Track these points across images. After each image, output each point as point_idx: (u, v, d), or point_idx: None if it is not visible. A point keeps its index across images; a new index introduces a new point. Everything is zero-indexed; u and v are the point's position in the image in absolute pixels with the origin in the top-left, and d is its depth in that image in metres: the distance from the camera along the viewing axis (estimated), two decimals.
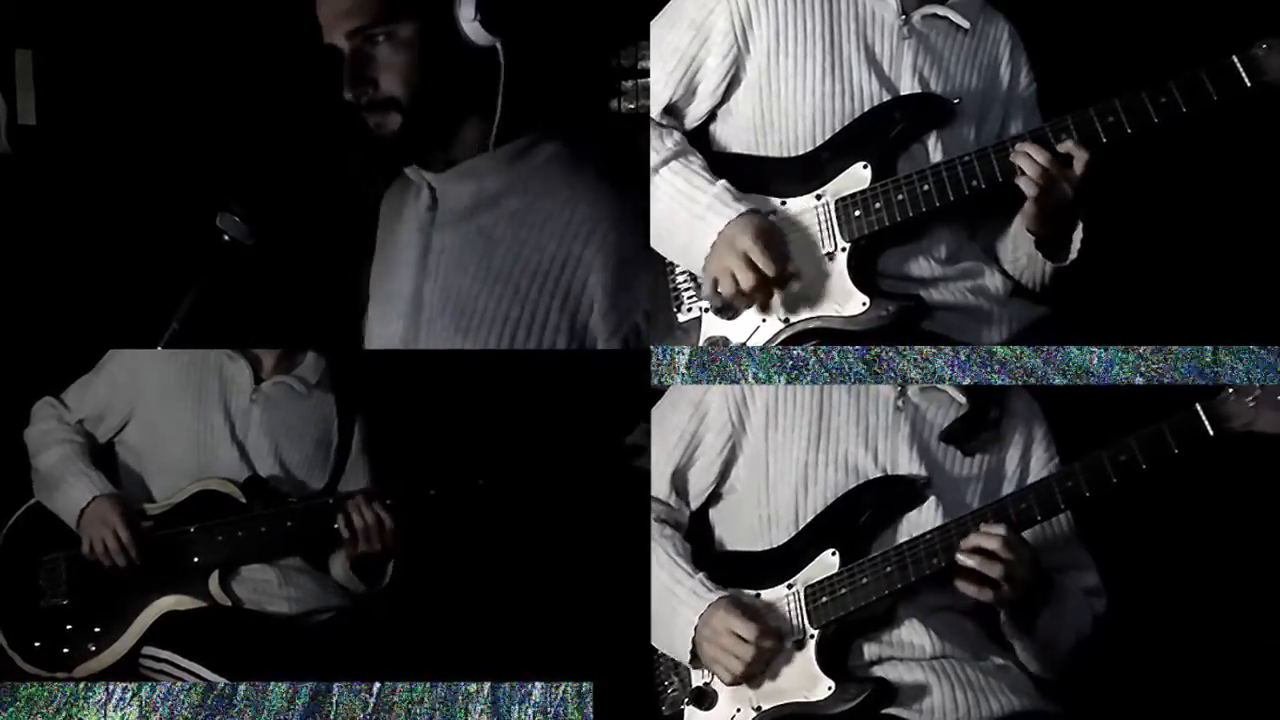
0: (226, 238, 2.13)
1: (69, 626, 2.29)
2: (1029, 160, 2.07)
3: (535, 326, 2.07)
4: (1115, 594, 2.17)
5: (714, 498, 2.23)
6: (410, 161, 2.18)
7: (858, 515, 2.11)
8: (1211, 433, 2.01)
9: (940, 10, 2.18)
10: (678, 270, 2.19)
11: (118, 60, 2.59)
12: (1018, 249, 2.17)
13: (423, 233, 2.17)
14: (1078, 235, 2.13)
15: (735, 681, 2.09)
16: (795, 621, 2.10)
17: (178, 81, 2.60)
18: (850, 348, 2.15)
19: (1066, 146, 2.07)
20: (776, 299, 2.14)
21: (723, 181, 2.14)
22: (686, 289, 2.20)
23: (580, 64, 2.54)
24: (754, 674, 2.09)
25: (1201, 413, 2.01)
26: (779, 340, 2.15)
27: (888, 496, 2.12)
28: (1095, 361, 2.18)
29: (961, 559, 2.02)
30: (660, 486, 2.21)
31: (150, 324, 2.14)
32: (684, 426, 2.21)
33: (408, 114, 2.09)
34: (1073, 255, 2.14)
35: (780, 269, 2.11)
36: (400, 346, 2.16)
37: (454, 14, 2.08)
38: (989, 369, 2.16)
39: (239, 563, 2.32)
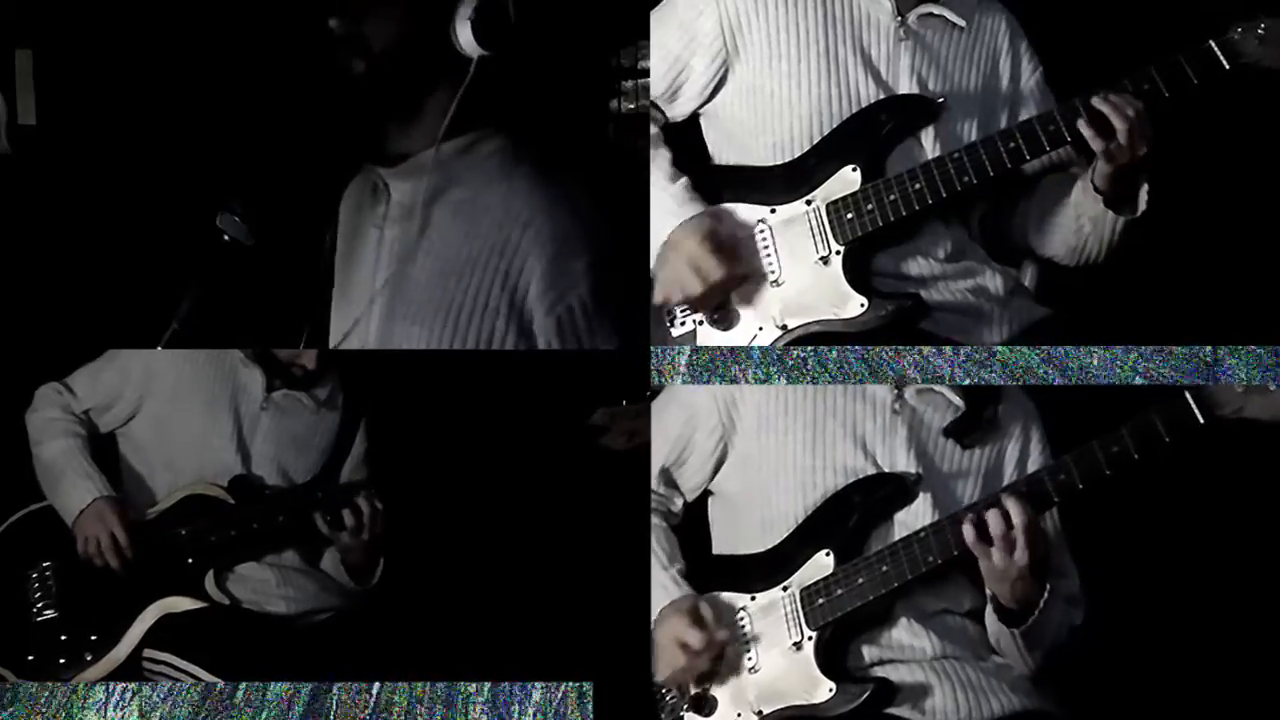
0: (226, 238, 2.13)
1: (63, 637, 2.28)
2: (1117, 113, 2.04)
3: (476, 310, 2.08)
4: (1109, 589, 2.16)
5: (708, 494, 2.23)
6: (373, 116, 2.16)
7: (848, 514, 2.11)
8: (1201, 421, 2.00)
9: (936, 9, 2.18)
10: None
11: (118, 60, 2.59)
12: (1081, 215, 2.14)
13: (377, 227, 2.18)
14: (1144, 188, 2.11)
15: (686, 689, 2.12)
16: (792, 624, 2.10)
17: (177, 81, 2.60)
18: (850, 348, 2.14)
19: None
20: (734, 302, 2.14)
21: (683, 180, 2.15)
22: (679, 303, 2.19)
23: (580, 64, 2.54)
24: (704, 681, 2.12)
25: (1191, 400, 2.01)
26: (777, 346, 2.15)
27: (878, 494, 2.11)
28: (1095, 361, 2.18)
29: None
30: (651, 480, 2.21)
31: (150, 324, 2.14)
32: (674, 428, 2.21)
33: (373, 65, 2.07)
34: (1141, 207, 2.12)
35: (729, 272, 2.11)
36: (354, 335, 2.17)
37: (452, 16, 2.08)
38: (989, 369, 2.15)
39: (235, 561, 2.32)
